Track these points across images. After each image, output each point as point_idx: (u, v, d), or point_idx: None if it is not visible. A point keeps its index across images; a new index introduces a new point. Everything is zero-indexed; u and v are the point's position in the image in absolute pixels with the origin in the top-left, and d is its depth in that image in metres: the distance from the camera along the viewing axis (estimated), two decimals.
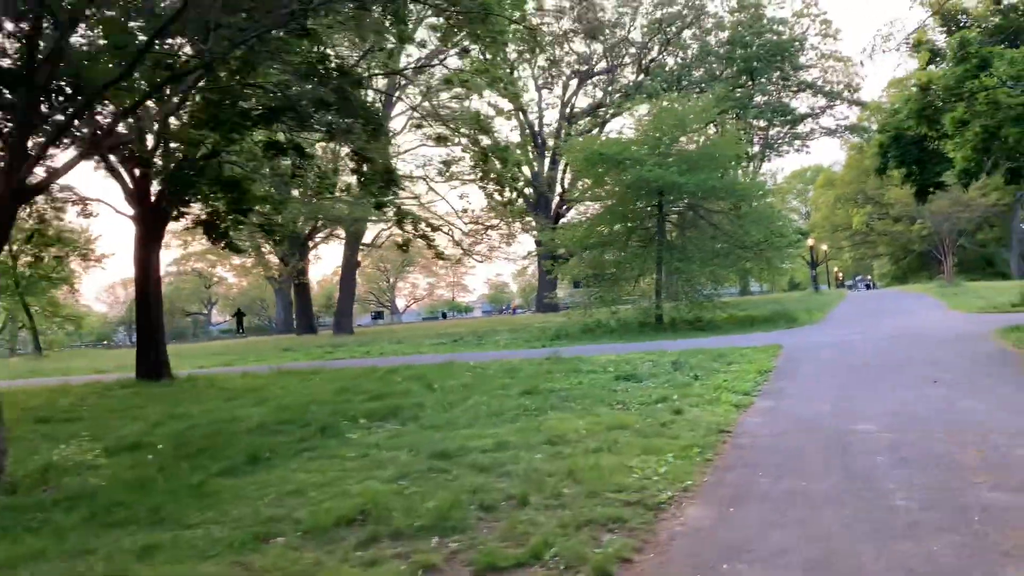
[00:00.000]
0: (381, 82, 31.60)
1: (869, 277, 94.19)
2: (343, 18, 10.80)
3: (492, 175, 15.27)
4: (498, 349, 21.31)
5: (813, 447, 6.52)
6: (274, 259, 47.30)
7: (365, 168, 12.40)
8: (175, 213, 13.85)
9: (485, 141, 16.64)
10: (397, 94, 39.82)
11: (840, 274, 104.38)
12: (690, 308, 23.17)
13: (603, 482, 5.65)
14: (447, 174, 33.47)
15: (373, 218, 42.18)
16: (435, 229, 32.09)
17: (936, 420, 7.20)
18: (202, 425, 9.76)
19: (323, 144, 18.43)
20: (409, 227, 17.90)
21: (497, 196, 19.94)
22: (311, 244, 44.98)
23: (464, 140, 20.29)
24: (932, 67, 12.32)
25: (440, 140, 20.54)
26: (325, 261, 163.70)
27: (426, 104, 34.40)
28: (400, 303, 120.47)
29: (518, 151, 50.90)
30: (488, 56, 14.22)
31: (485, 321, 49.62)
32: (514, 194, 17.14)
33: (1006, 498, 4.73)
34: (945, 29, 13.81)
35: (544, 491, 5.57)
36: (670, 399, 9.31)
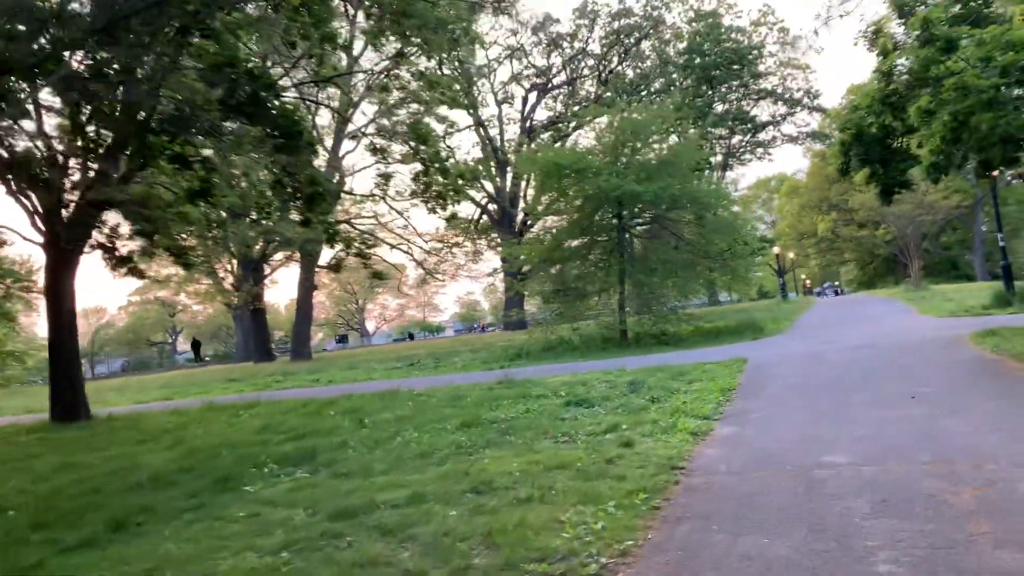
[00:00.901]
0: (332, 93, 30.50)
1: (837, 284, 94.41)
2: (251, 19, 9.74)
3: (433, 188, 14.20)
4: (453, 372, 20.21)
5: (778, 488, 5.51)
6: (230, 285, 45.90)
7: (286, 182, 11.30)
8: (73, 239, 12.58)
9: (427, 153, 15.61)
10: (351, 110, 38.82)
11: (808, 282, 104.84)
12: (654, 322, 22.28)
13: (526, 546, 4.60)
14: (383, 188, 32.01)
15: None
16: (370, 247, 31.10)
17: (919, 447, 6.24)
18: (93, 477, 8.53)
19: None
20: (340, 247, 16.69)
21: (439, 210, 18.83)
22: (266, 268, 43.47)
23: (402, 153, 19.03)
24: (897, 55, 11.58)
25: (377, 152, 19.23)
26: (291, 285, 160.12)
27: (383, 120, 33.56)
28: (372, 325, 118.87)
29: (480, 167, 50.07)
30: (429, 60, 13.27)
31: (450, 341, 48.47)
32: (456, 206, 16.08)
33: (1016, 560, 3.74)
34: (903, 21, 13.10)
35: (451, 562, 4.50)
36: (621, 428, 8.29)
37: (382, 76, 19.60)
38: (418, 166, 14.44)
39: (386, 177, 30.18)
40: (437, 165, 13.20)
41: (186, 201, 11.73)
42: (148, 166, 12.11)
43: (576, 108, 46.87)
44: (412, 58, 14.09)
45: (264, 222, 17.00)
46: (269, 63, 14.10)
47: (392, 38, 12.09)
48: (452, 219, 15.39)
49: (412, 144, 12.96)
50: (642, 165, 23.01)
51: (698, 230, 23.29)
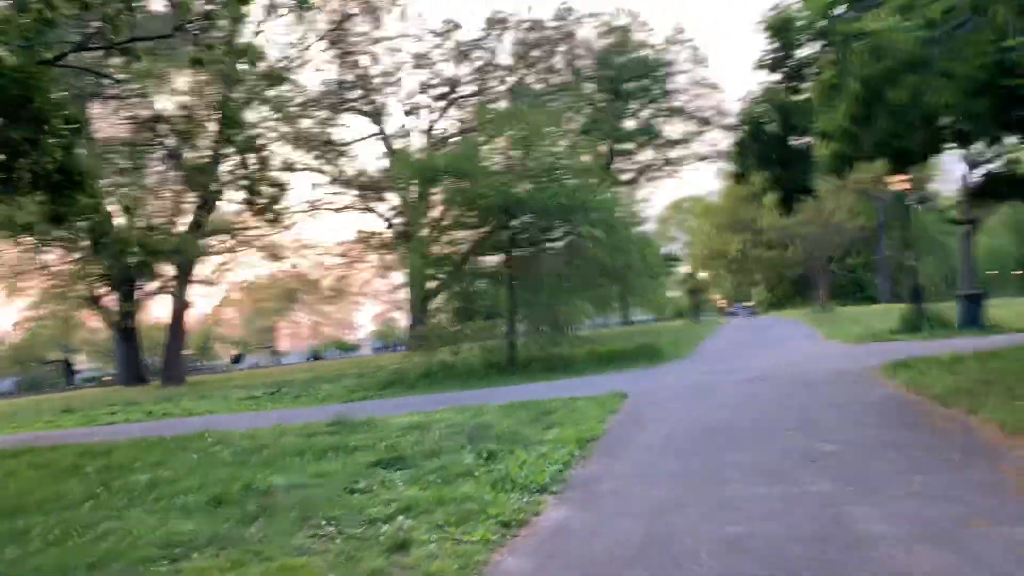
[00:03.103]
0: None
1: (753, 304, 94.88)
2: None
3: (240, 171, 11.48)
4: (308, 405, 17.48)
5: None
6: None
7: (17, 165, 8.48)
8: None
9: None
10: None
11: (723, 302, 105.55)
12: (541, 345, 19.99)
13: None
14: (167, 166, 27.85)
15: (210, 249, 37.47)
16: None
17: (820, 569, 3.96)
18: None
19: None
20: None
21: (257, 201, 16.04)
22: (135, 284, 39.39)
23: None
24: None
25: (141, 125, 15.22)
26: (198, 301, 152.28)
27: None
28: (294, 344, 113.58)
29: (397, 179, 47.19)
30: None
31: (344, 363, 45.31)
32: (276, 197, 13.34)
33: None
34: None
35: None
36: (413, 510, 5.82)
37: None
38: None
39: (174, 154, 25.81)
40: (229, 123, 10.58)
41: None
42: None
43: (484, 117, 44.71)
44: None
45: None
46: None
47: None
48: (268, 208, 12.68)
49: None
50: (528, 171, 20.80)
51: (594, 244, 21.17)
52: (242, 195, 14.34)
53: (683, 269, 70.50)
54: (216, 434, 11.33)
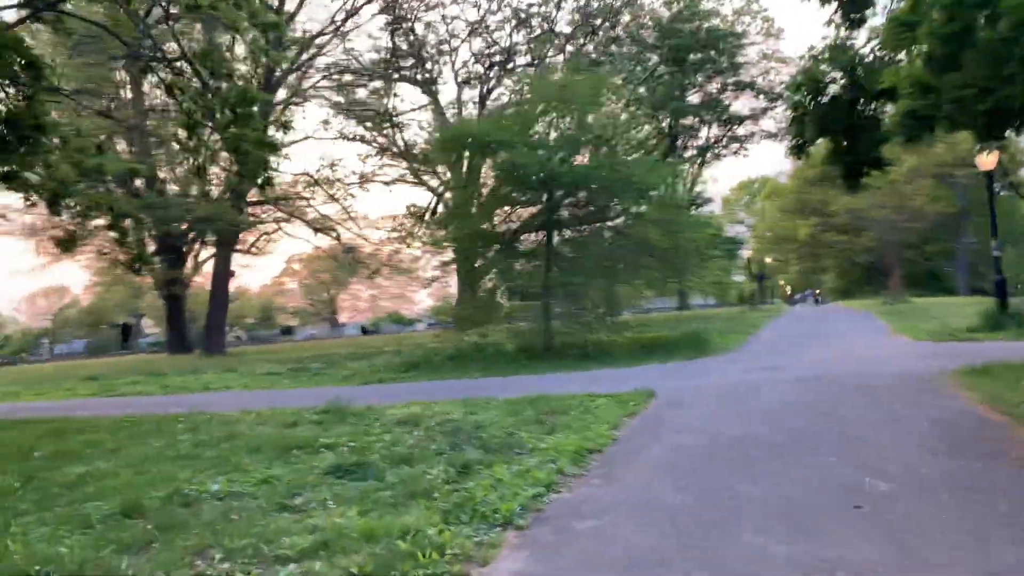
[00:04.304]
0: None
1: (819, 292, 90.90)
2: None
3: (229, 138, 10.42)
4: (326, 385, 16.58)
5: None
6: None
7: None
8: None
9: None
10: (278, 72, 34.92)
11: (788, 288, 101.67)
12: (575, 331, 18.57)
13: None
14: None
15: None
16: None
17: None
18: None
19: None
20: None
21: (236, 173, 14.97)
22: (189, 250, 39.37)
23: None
24: None
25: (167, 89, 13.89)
26: (262, 269, 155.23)
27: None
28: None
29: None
30: None
31: (383, 340, 44.67)
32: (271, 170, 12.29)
33: None
34: None
35: None
36: (330, 548, 4.60)
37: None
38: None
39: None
40: (231, 99, 9.44)
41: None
42: None
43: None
44: None
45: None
46: None
47: None
48: (266, 185, 11.79)
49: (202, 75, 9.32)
50: (570, 139, 19.24)
51: (644, 224, 19.59)
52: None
53: (746, 253, 67.64)
54: (192, 418, 10.40)
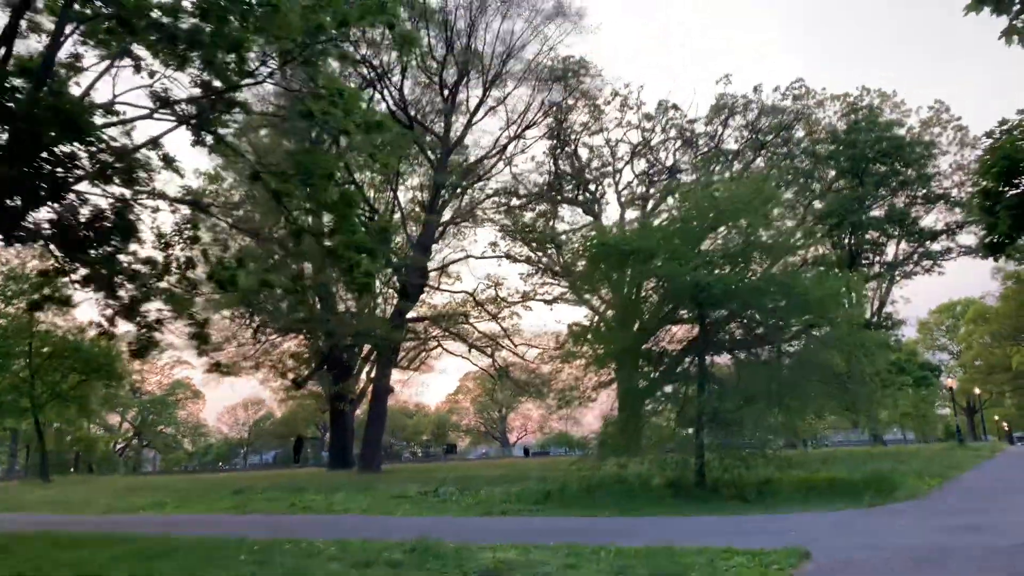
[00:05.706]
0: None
1: None
2: None
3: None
4: (431, 514, 15.34)
5: None
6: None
7: None
8: None
9: None
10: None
11: (1007, 425, 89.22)
12: (725, 467, 16.10)
13: None
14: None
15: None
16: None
17: None
18: None
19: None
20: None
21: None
22: (352, 364, 40.44)
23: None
24: None
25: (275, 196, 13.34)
26: (440, 387, 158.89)
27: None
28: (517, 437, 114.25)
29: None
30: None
31: (541, 462, 42.70)
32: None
33: None
34: None
35: None
36: None
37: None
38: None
39: None
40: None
41: None
42: None
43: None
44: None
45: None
46: None
47: None
48: (364, 291, 11.25)
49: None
50: (735, 254, 17.44)
51: (804, 341, 17.18)
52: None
53: (948, 382, 60.13)
54: (269, 548, 9.43)
